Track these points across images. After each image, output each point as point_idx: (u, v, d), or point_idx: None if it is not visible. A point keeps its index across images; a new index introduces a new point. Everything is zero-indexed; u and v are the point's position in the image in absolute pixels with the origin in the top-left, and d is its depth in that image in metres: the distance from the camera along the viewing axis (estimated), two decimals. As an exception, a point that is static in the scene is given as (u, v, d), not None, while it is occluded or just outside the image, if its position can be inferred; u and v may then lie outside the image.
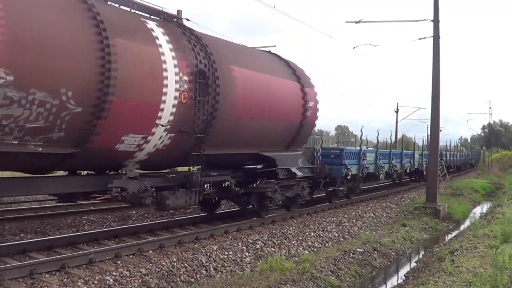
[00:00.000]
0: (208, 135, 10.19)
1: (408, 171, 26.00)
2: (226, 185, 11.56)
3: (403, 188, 26.30)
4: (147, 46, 8.87)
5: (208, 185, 10.75)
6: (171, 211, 13.62)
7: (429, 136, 24.89)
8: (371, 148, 23.25)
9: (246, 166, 13.15)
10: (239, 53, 12.19)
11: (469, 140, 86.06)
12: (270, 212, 13.57)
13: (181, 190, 10.10)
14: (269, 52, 14.49)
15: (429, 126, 21.94)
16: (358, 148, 19.64)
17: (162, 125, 9.15)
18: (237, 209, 14.53)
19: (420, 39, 19.55)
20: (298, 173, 13.73)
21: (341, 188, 17.18)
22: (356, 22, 20.22)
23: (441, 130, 20.33)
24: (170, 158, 10.17)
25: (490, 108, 67.68)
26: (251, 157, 12.55)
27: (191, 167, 10.34)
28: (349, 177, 17.34)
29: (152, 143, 9.23)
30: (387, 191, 23.92)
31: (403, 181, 28.95)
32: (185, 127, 9.65)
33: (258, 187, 12.48)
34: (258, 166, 13.20)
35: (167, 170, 11.28)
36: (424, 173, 28.83)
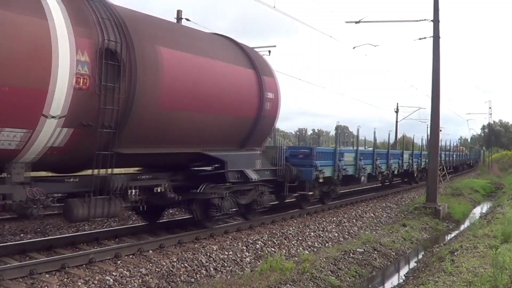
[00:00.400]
0: (123, 131, 8.42)
1: (396, 172, 23.45)
2: (159, 190, 9.74)
3: (395, 190, 25.11)
4: (30, 17, 7.05)
5: (133, 190, 9.06)
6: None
7: (429, 136, 24.75)
8: (358, 148, 20.73)
9: (194, 169, 11.30)
10: (173, 33, 10.20)
11: (469, 140, 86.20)
12: (219, 222, 11.67)
13: (94, 197, 8.31)
14: (220, 34, 12.64)
15: (429, 126, 21.90)
16: (333, 147, 17.72)
17: (54, 117, 7.35)
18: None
19: (420, 39, 19.64)
20: (254, 176, 11.72)
21: (310, 193, 15.08)
22: (356, 22, 20.30)
23: (441, 130, 20.33)
24: (74, 158, 8.29)
25: (490, 108, 67.33)
26: (195, 158, 10.73)
27: (98, 170, 8.36)
28: (321, 180, 15.18)
29: (43, 140, 7.47)
30: (375, 194, 22.27)
31: (394, 183, 27.48)
32: (89, 120, 7.88)
33: (200, 193, 10.59)
34: (208, 168, 11.28)
35: (80, 173, 8.98)
36: (415, 175, 27.58)
